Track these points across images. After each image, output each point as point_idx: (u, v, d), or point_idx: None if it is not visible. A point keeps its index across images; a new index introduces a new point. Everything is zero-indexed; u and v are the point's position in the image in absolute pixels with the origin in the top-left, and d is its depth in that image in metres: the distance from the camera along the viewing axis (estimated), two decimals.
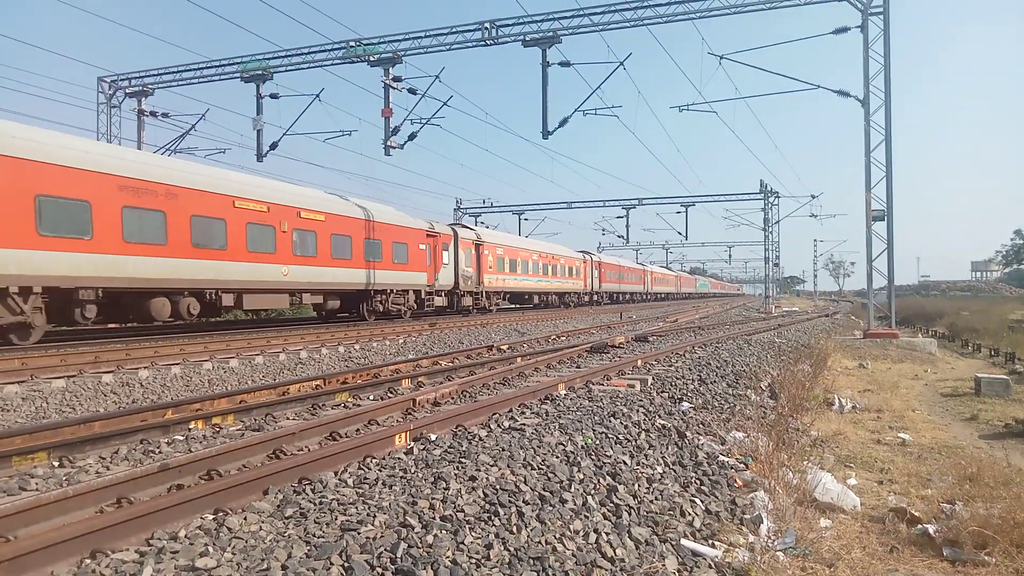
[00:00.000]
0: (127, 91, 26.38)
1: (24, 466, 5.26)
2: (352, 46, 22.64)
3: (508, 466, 4.76)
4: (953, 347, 23.43)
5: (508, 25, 21.54)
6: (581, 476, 4.73)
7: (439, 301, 26.88)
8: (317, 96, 23.69)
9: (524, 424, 6.29)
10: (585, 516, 4.07)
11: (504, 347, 14.76)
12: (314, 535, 3.49)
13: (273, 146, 24.86)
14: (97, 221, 13.49)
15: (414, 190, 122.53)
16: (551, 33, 20.96)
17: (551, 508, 4.06)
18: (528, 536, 3.66)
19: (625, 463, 5.22)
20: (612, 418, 6.58)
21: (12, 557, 3.03)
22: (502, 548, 3.46)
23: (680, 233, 51.32)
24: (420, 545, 3.36)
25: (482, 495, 4.15)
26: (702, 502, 4.77)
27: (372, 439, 5.53)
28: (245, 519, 3.73)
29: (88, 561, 3.20)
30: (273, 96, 24.09)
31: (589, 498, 4.34)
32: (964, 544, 4.50)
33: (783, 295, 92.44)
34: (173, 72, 25.60)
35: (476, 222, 45.96)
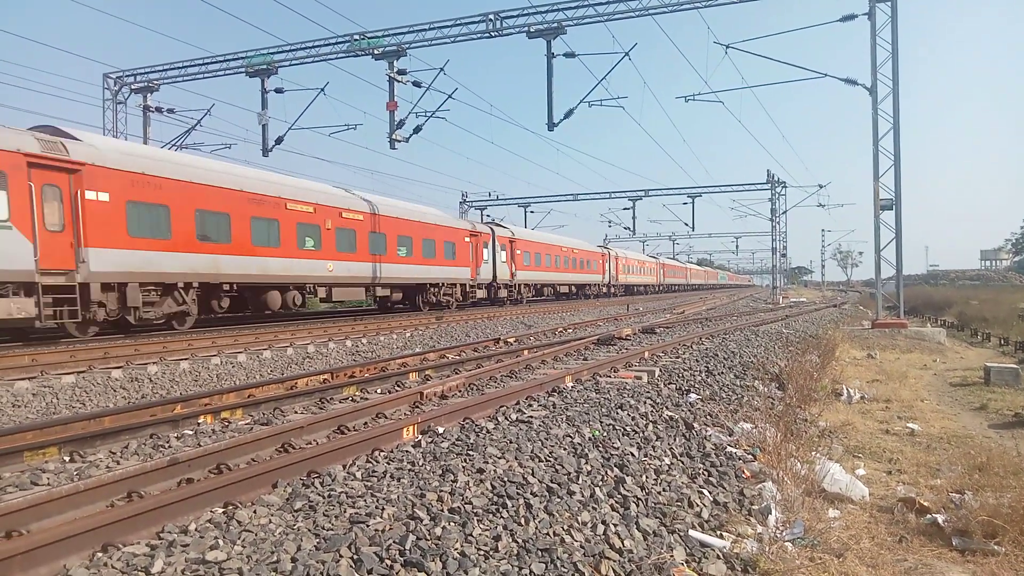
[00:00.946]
0: (132, 87, 26.39)
1: (36, 461, 5.32)
2: (356, 40, 22.57)
3: (516, 458, 4.76)
4: (962, 336, 23.30)
5: (512, 16, 21.39)
6: (589, 468, 4.74)
7: (480, 293, 30.00)
8: (322, 90, 23.61)
9: (531, 416, 6.30)
10: (593, 508, 4.07)
11: (511, 340, 14.78)
12: (323, 528, 3.51)
13: (279, 140, 24.88)
14: (235, 229, 16.66)
15: (419, 183, 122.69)
16: (556, 24, 20.80)
17: (559, 500, 4.06)
18: (536, 528, 3.67)
19: (633, 455, 5.22)
20: (619, 410, 6.58)
21: (26, 551, 3.07)
22: (510, 540, 3.47)
23: (687, 224, 51.48)
24: (429, 537, 3.37)
25: (490, 487, 4.16)
26: (710, 493, 4.77)
27: (380, 432, 5.56)
28: (255, 512, 3.75)
29: (100, 554, 3.23)
30: (278, 91, 24.05)
31: (597, 490, 4.35)
32: (974, 534, 4.48)
33: (791, 286, 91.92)
34: (178, 68, 25.58)
35: (481, 216, 46.42)
